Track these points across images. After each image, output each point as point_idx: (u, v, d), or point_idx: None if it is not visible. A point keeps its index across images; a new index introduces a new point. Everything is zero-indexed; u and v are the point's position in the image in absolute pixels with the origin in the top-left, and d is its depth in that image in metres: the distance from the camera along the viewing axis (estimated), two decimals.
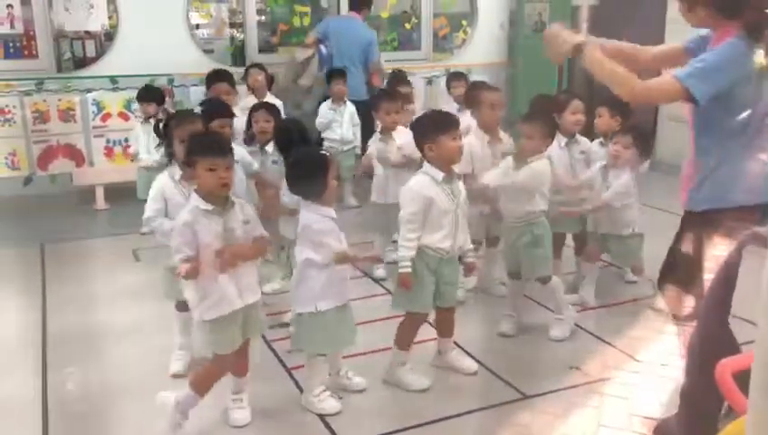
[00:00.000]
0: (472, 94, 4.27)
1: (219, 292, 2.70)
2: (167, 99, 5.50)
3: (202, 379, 2.83)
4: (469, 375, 3.33)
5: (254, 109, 4.32)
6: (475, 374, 3.34)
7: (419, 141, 3.13)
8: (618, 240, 4.00)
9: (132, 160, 5.60)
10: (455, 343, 3.43)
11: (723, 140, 2.65)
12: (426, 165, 3.13)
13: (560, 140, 4.09)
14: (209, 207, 2.69)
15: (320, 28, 6.69)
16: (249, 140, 4.19)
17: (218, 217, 2.69)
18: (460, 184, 3.19)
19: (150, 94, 5.38)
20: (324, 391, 3.05)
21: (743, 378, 1.32)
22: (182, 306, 3.16)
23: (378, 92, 4.74)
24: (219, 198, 2.72)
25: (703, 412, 1.96)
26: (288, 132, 3.68)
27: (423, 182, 3.08)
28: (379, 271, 4.55)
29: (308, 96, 6.60)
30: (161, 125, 3.44)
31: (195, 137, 2.91)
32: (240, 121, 4.31)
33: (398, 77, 6.00)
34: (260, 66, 5.83)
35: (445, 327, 3.35)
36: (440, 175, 3.07)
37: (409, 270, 3.06)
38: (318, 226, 2.88)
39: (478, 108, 4.01)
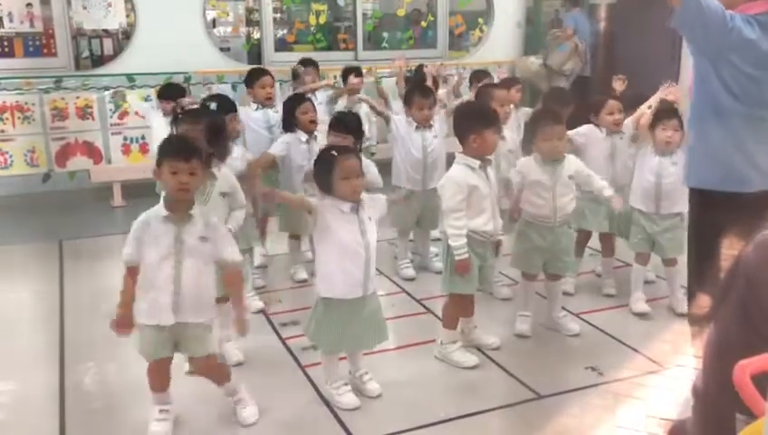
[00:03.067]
0: (481, 91, 4.28)
1: (152, 301, 2.69)
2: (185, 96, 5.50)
3: (148, 378, 2.84)
4: (483, 373, 3.33)
5: (300, 101, 4.34)
6: (498, 349, 3.53)
7: (463, 132, 3.30)
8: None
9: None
10: None
11: (704, 116, 2.63)
12: (460, 155, 3.31)
13: (602, 132, 4.12)
14: (166, 212, 2.66)
15: (570, 21, 8.01)
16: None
17: (172, 226, 2.66)
18: (490, 170, 3.36)
19: (169, 92, 5.39)
20: (345, 384, 3.08)
21: (761, 379, 1.30)
22: None
23: (407, 90, 4.74)
24: (180, 207, 2.67)
25: (719, 414, 1.95)
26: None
27: (464, 171, 3.26)
28: (408, 270, 4.54)
29: (569, 77, 7.89)
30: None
31: (165, 139, 2.88)
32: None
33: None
34: (313, 62, 5.77)
35: (470, 308, 3.51)
36: (477, 163, 3.25)
37: (467, 256, 3.23)
38: (323, 210, 2.90)
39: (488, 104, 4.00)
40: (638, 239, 3.94)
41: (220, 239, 2.75)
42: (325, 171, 2.89)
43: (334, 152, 2.94)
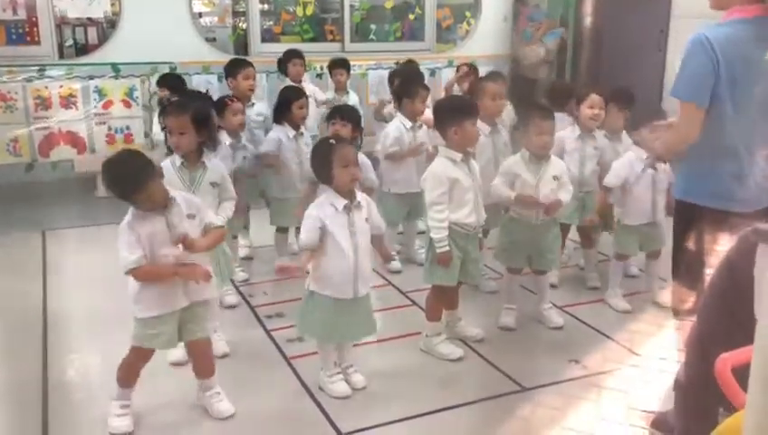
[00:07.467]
0: (477, 85, 4.28)
1: (163, 289, 2.65)
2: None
3: (124, 372, 2.80)
4: (468, 365, 3.35)
5: (299, 94, 4.31)
6: (482, 341, 3.55)
7: (444, 124, 3.30)
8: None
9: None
10: None
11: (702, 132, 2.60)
12: (443, 148, 3.32)
13: (574, 131, 4.10)
14: (144, 211, 2.61)
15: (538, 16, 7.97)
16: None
17: (159, 217, 2.62)
18: (474, 162, 3.36)
19: (164, 80, 5.31)
20: (338, 373, 3.09)
21: (742, 372, 1.32)
22: None
23: (403, 82, 4.71)
24: (159, 197, 2.62)
25: (701, 407, 1.96)
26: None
27: (445, 164, 3.26)
28: (395, 263, 4.51)
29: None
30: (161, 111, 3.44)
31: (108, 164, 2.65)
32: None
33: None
34: (300, 54, 5.67)
35: (454, 301, 3.53)
36: (459, 156, 3.25)
37: (447, 248, 3.23)
38: (310, 211, 2.91)
39: (482, 98, 4.00)
40: (629, 244, 3.94)
41: (203, 209, 2.79)
42: (324, 160, 2.90)
43: (332, 141, 2.99)
